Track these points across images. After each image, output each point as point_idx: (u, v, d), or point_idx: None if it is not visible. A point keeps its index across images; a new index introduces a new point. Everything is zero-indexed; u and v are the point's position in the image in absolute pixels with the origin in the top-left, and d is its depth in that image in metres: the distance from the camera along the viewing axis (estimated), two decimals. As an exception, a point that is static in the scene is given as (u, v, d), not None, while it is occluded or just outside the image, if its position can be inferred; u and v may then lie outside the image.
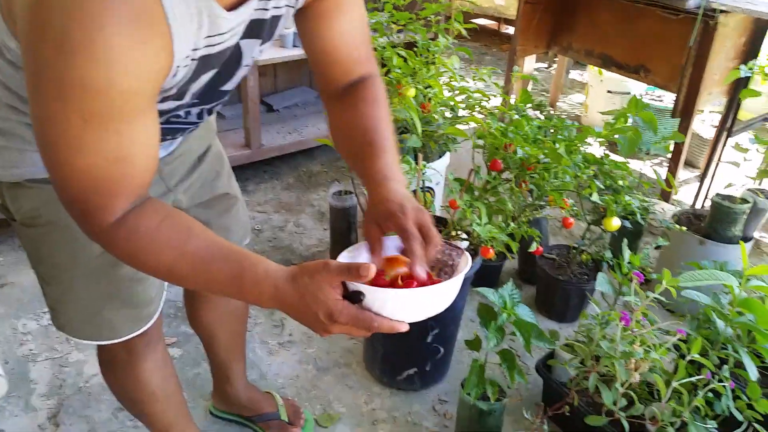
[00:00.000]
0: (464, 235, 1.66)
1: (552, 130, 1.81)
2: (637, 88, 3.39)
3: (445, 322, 1.68)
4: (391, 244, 0.88)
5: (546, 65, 4.79)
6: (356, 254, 0.89)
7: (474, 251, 1.71)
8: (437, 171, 1.85)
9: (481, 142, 1.72)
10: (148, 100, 0.70)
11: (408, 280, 0.82)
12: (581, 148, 1.66)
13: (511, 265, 2.35)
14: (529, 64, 3.50)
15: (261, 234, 2.47)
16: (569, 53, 3.16)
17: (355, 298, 0.78)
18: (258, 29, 0.83)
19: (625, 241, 1.66)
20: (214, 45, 0.76)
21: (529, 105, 1.82)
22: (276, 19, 0.86)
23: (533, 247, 1.65)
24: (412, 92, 1.49)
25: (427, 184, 1.98)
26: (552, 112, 3.65)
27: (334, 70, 0.96)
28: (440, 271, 0.91)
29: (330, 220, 2.25)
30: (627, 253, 1.57)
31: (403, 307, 0.79)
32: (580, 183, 1.71)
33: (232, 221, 1.28)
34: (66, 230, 0.96)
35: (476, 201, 1.54)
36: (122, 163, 0.71)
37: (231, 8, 0.74)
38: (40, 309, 2.00)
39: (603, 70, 3.39)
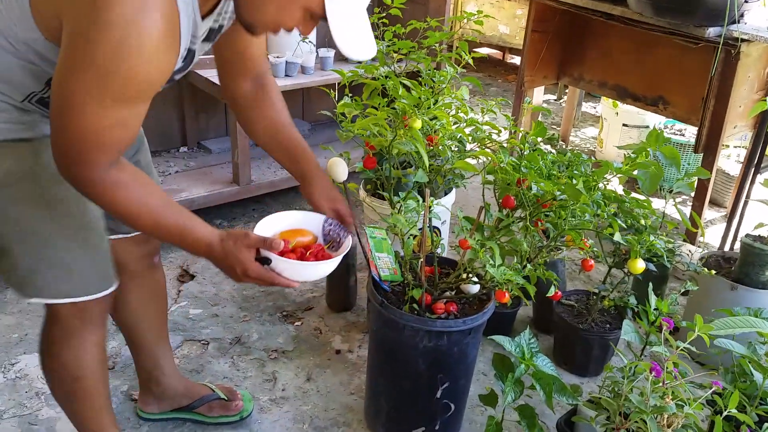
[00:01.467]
0: (475, 278, 1.66)
1: (567, 166, 1.83)
2: (655, 121, 3.45)
3: (456, 375, 1.67)
4: (294, 218, 1.36)
5: (555, 97, 4.88)
6: (270, 225, 1.33)
7: (486, 296, 1.71)
8: (446, 207, 1.86)
9: (491, 177, 1.74)
10: (159, 88, 1.05)
11: (306, 248, 1.30)
12: (600, 185, 1.67)
13: (525, 312, 2.34)
14: (538, 95, 3.56)
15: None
16: (581, 84, 3.23)
17: (264, 261, 1.19)
18: (212, 35, 1.20)
19: (651, 285, 1.66)
20: (193, 45, 1.11)
21: (541, 138, 1.85)
22: (222, 27, 1.21)
23: (551, 291, 1.66)
24: (418, 124, 1.51)
25: (432, 222, 1.99)
26: (564, 146, 3.72)
27: (245, 66, 1.38)
28: (332, 245, 1.37)
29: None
30: (653, 299, 1.58)
31: (297, 274, 1.22)
32: (599, 222, 1.73)
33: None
34: (40, 182, 1.19)
35: (488, 241, 1.55)
36: (125, 128, 1.05)
37: (203, 17, 1.10)
38: (7, 361, 1.97)
39: (618, 103, 3.46)
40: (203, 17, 1.11)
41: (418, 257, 1.64)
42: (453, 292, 1.72)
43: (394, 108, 1.63)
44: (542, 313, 2.24)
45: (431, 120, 1.71)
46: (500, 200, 1.68)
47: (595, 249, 1.74)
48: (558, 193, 1.58)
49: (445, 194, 2.22)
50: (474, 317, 1.61)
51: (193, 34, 1.09)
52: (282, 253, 1.22)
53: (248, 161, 2.73)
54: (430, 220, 1.66)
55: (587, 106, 4.73)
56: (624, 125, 3.52)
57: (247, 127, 1.47)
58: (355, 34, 1.09)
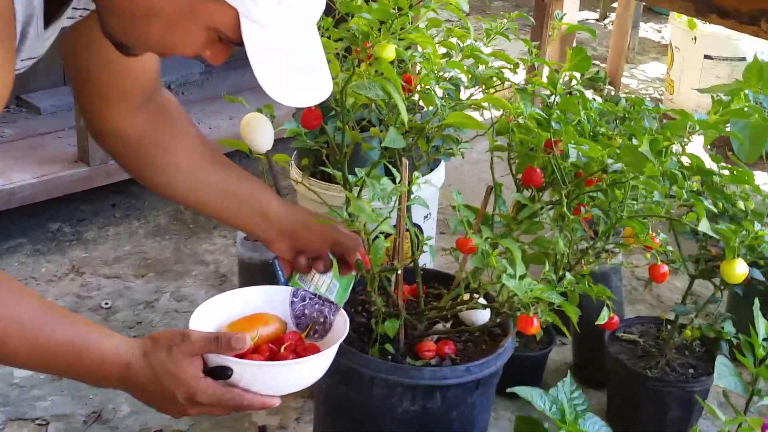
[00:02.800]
0: (483, 300, 1.71)
1: (621, 120, 1.88)
2: (755, 49, 3.54)
3: (456, 455, 1.71)
4: (245, 300, 1.41)
5: (597, 16, 4.99)
6: (210, 316, 1.35)
7: (501, 328, 1.75)
8: (436, 187, 1.90)
9: (502, 141, 1.78)
10: None
11: (276, 342, 1.33)
12: (674, 147, 1.72)
13: (560, 356, 2.40)
14: (571, 12, 3.63)
15: (113, 315, 2.47)
16: (639, -7, 3.30)
17: (221, 374, 1.19)
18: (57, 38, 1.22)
19: (757, 303, 1.72)
20: (24, 65, 1.14)
21: (581, 76, 1.89)
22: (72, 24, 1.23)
23: (603, 317, 1.70)
24: (390, 53, 1.54)
25: (411, 213, 2.02)
26: (612, 92, 3.81)
27: (132, 88, 1.40)
28: (311, 330, 1.42)
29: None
30: (762, 324, 1.64)
31: (277, 381, 1.24)
32: (675, 209, 1.77)
33: None
34: None
35: (503, 239, 1.59)
36: None
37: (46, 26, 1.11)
38: None
39: (697, 22, 3.54)
40: (47, 25, 1.12)
41: (392, 269, 1.68)
42: (448, 324, 1.76)
43: (348, 30, 1.65)
44: (588, 354, 2.30)
45: (406, 50, 1.74)
46: (519, 175, 1.72)
47: (669, 249, 1.80)
48: (610, 160, 1.63)
49: (430, 170, 2.26)
50: (483, 362, 1.66)
51: (29, 54, 1.11)
52: (242, 357, 1.23)
53: (104, 125, 2.73)
54: (409, 209, 1.70)
55: (648, 30, 4.85)
56: (706, 57, 3.61)
57: (154, 180, 1.51)
58: (290, 70, 1.11)
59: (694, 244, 2.02)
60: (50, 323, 1.12)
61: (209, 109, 3.16)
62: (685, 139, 1.70)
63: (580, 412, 1.51)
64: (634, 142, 1.66)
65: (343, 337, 1.34)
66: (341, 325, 1.40)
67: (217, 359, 1.19)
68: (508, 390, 1.60)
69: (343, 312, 1.43)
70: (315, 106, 1.73)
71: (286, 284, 1.49)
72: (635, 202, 1.67)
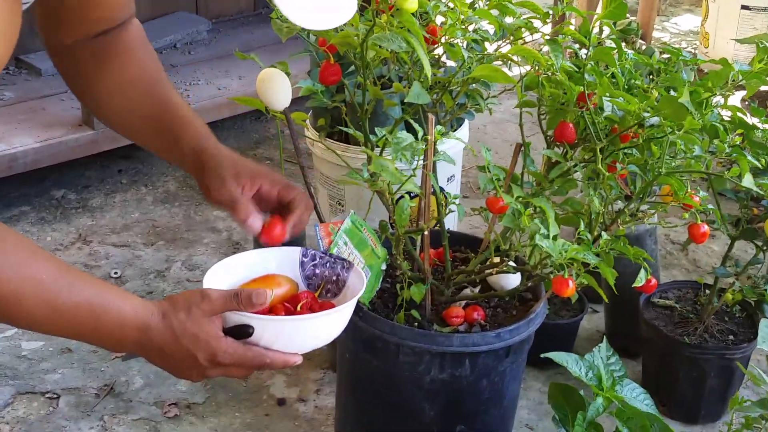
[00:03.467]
0: (513, 263, 1.70)
1: (656, 74, 1.87)
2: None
3: (486, 426, 1.71)
4: (256, 262, 1.42)
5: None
6: (221, 278, 1.36)
7: (532, 293, 1.75)
8: (462, 141, 1.88)
9: (531, 96, 1.76)
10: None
11: (292, 302, 1.35)
12: (715, 99, 1.71)
13: (592, 324, 2.40)
14: (598, -37, 3.60)
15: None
16: (670, -59, 3.28)
17: (242, 333, 1.20)
18: None
19: (802, 263, 1.72)
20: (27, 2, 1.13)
21: (616, 27, 1.88)
22: None
23: (640, 279, 1.69)
24: (413, 3, 1.52)
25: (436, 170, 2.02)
26: (644, 46, 3.78)
27: (95, 14, 1.38)
28: (323, 289, 1.44)
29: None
30: (808, 284, 1.63)
31: (298, 337, 1.26)
32: (715, 165, 1.76)
33: None
34: None
35: (535, 198, 1.58)
36: None
37: None
38: None
39: (732, -30, 3.51)
40: None
41: (417, 230, 1.67)
42: (477, 289, 1.76)
43: (367, -21, 1.63)
44: (621, 322, 2.30)
45: (430, 0, 1.72)
46: (549, 132, 1.71)
47: (709, 208, 1.78)
48: (647, 114, 1.61)
49: (453, 129, 2.25)
50: (514, 328, 1.65)
51: None
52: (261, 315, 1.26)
53: (109, 87, 2.73)
54: (434, 166, 1.69)
55: (678, -19, 4.80)
56: (744, 8, 3.57)
57: (86, 95, 1.48)
58: None
59: (734, 205, 2.01)
60: (68, 284, 1.13)
61: (217, 68, 3.16)
62: (725, 92, 1.69)
63: (617, 378, 1.51)
64: (672, 94, 1.65)
65: (361, 292, 1.36)
66: (356, 281, 1.41)
67: (236, 318, 1.21)
68: (543, 355, 1.59)
69: (357, 268, 1.44)
70: (334, 60, 1.74)
71: (326, 253, 1.48)
72: (673, 159, 1.66)
